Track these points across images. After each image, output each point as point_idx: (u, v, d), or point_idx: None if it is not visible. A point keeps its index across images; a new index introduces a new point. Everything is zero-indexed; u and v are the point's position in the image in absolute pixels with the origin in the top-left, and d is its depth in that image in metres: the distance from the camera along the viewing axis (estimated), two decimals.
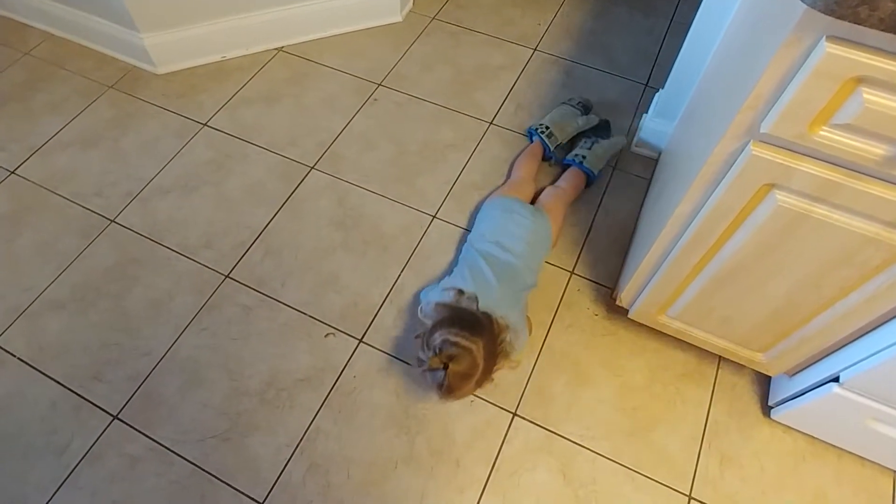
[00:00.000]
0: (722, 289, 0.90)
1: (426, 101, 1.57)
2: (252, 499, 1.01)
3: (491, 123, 1.52)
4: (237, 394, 1.12)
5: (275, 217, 1.35)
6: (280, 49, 1.69)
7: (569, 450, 1.07)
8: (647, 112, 1.45)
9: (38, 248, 1.31)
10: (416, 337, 1.08)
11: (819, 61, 0.54)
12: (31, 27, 1.74)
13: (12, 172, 1.43)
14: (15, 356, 1.16)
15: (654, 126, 1.41)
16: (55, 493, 1.02)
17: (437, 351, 0.97)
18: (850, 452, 1.05)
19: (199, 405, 1.11)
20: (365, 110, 1.55)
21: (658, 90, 1.42)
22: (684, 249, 0.86)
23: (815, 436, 1.06)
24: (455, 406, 1.11)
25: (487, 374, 1.01)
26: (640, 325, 1.15)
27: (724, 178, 0.72)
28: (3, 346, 1.17)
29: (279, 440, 1.07)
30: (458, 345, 0.96)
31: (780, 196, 0.69)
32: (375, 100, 1.57)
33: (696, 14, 1.14)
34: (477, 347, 0.97)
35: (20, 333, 1.19)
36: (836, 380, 0.89)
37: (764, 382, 1.13)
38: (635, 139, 1.46)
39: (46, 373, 1.14)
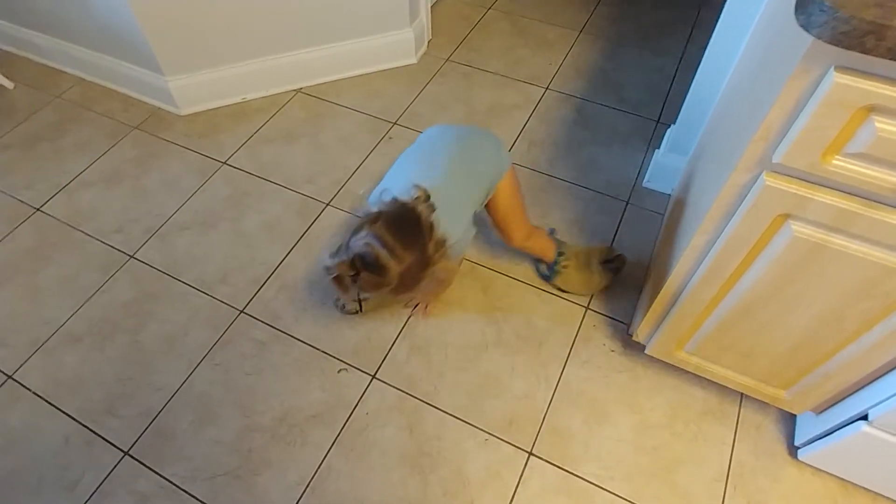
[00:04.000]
0: (740, 323, 0.88)
1: None
2: None
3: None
4: (249, 430, 1.11)
5: (290, 253, 1.37)
6: (298, 90, 1.75)
7: (587, 491, 1.03)
8: (658, 148, 1.46)
9: (60, 282, 1.33)
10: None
11: (828, 91, 0.54)
12: (64, 72, 1.82)
13: (38, 209, 1.47)
14: (30, 390, 1.17)
15: (666, 161, 1.42)
16: None
17: (351, 258, 0.86)
18: (885, 497, 1.00)
19: (210, 441, 1.09)
20: (380, 148, 1.59)
21: (670, 126, 1.43)
22: (700, 283, 0.84)
23: (845, 478, 1.01)
24: (469, 444, 1.08)
25: (407, 288, 0.91)
26: (658, 361, 1.12)
27: (738, 209, 0.71)
28: (20, 380, 1.18)
29: (290, 478, 1.05)
30: (378, 261, 0.85)
31: (795, 226, 0.68)
32: (390, 138, 1.61)
33: (705, 52, 1.17)
34: (400, 264, 0.86)
35: (37, 367, 1.20)
36: (865, 417, 0.86)
37: (789, 421, 1.09)
38: (648, 174, 1.47)
39: (61, 407, 1.14)
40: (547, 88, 1.72)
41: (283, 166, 1.55)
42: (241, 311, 1.27)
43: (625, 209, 1.43)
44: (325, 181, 1.51)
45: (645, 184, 1.48)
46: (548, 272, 1.27)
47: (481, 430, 1.10)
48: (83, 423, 1.12)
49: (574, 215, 1.42)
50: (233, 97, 1.71)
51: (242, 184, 1.52)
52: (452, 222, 0.95)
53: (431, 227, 0.89)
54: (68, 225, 1.44)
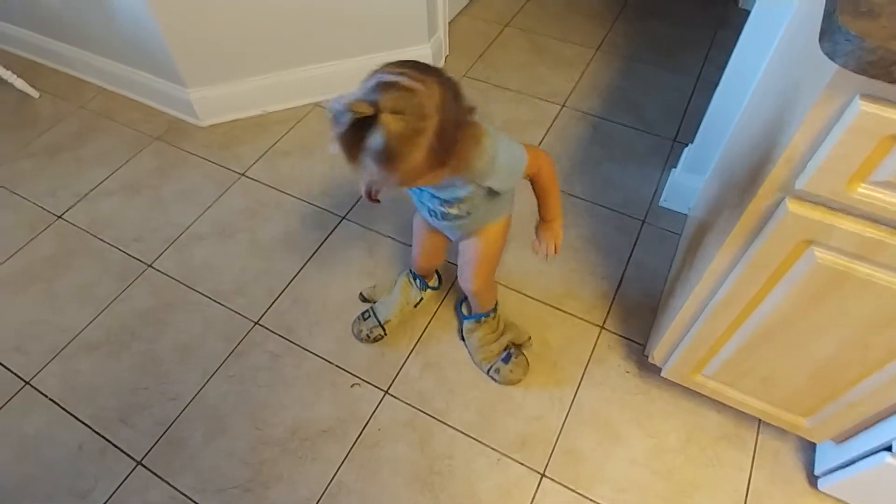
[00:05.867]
0: (760, 348, 0.87)
1: None
2: None
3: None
4: (261, 442, 1.11)
5: (305, 266, 1.38)
6: (317, 104, 1.76)
7: None
8: (675, 167, 1.45)
9: (78, 290, 1.35)
10: None
11: (854, 119, 0.54)
12: (87, 82, 1.86)
13: (59, 217, 1.50)
14: (46, 397, 1.18)
15: (683, 181, 1.41)
16: None
17: (364, 89, 0.66)
18: None
19: (222, 453, 1.10)
20: None
21: (687, 145, 1.43)
22: (719, 306, 0.83)
23: None
24: (480, 464, 1.07)
25: (449, 145, 0.69)
26: (674, 383, 1.11)
27: (759, 233, 0.71)
28: (36, 387, 1.19)
29: (300, 493, 1.05)
30: (398, 84, 0.65)
31: (818, 253, 0.67)
32: None
33: (724, 72, 1.16)
34: (428, 89, 0.66)
35: (54, 374, 1.21)
36: (889, 449, 0.84)
37: (809, 449, 1.07)
38: (664, 194, 1.46)
39: (76, 415, 1.15)
40: (563, 106, 1.73)
41: (299, 179, 1.57)
42: (256, 323, 1.28)
43: (641, 228, 1.42)
44: (342, 194, 1.52)
45: (661, 203, 1.47)
46: (468, 315, 1.21)
47: (493, 449, 1.09)
48: (97, 431, 1.13)
49: (590, 233, 1.41)
50: (252, 109, 1.73)
51: (260, 195, 1.53)
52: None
53: (457, 82, 0.72)
54: (88, 233, 1.46)
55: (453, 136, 0.69)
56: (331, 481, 1.06)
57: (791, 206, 0.65)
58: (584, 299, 1.29)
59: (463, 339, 1.24)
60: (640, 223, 1.43)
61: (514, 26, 2.01)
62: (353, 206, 1.49)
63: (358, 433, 1.11)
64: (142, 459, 1.09)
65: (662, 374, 1.07)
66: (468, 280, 1.08)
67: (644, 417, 1.12)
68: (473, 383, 1.18)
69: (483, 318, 1.19)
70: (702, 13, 2.03)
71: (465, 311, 1.24)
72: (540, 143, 1.62)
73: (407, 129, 0.64)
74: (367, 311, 1.25)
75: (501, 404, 1.14)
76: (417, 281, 1.25)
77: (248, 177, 1.58)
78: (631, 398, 1.15)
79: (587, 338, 1.23)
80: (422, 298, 1.26)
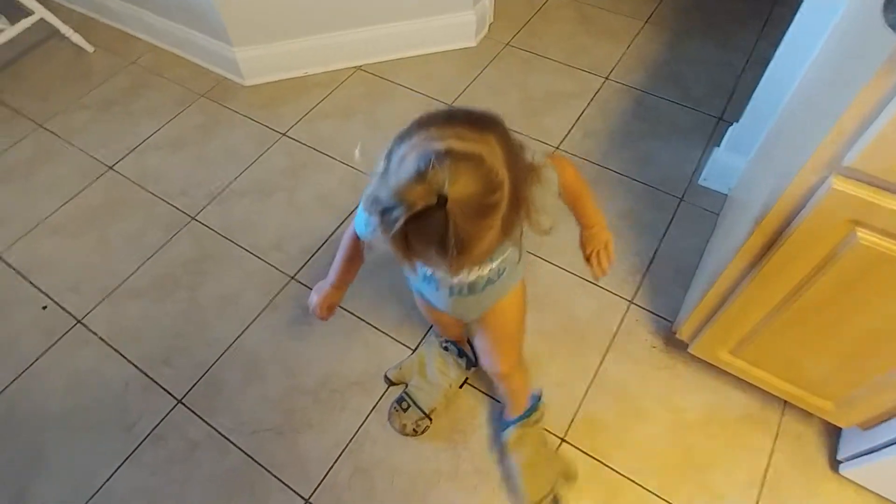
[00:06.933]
0: (792, 328, 0.86)
1: None
2: (299, 495, 1.04)
3: (557, 148, 1.53)
4: (293, 391, 1.16)
5: (341, 225, 1.41)
6: (358, 67, 1.78)
7: (616, 482, 1.04)
8: (718, 145, 1.42)
9: (127, 238, 1.42)
10: None
11: None
12: (139, 39, 1.91)
13: (110, 168, 1.56)
14: (97, 335, 1.26)
15: (725, 160, 1.38)
16: (119, 466, 1.09)
17: (418, 171, 0.50)
18: None
19: (257, 398, 1.16)
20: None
21: (732, 124, 1.39)
22: (753, 284, 0.83)
23: (889, 498, 0.98)
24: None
25: (521, 205, 0.56)
26: (700, 360, 1.11)
27: (801, 210, 0.70)
28: (88, 325, 1.27)
29: (329, 440, 1.10)
30: (458, 154, 0.51)
31: (861, 234, 0.66)
32: None
33: (777, 49, 1.12)
34: (491, 148, 0.53)
35: (104, 315, 1.29)
36: None
37: (833, 434, 1.07)
38: (705, 172, 1.44)
39: (123, 354, 1.23)
40: (607, 78, 1.69)
41: (339, 141, 1.59)
42: (292, 278, 1.32)
43: (678, 206, 1.40)
44: (379, 157, 1.54)
45: (701, 181, 1.45)
46: (509, 420, 1.03)
47: None
48: (142, 369, 1.20)
49: (625, 208, 1.40)
50: (295, 71, 1.76)
51: (300, 155, 1.56)
52: None
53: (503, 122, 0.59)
54: (137, 185, 1.53)
55: (524, 193, 0.57)
56: (357, 430, 1.11)
57: (837, 183, 0.64)
58: (615, 273, 1.29)
59: (502, 451, 1.04)
60: (677, 201, 1.41)
61: None
62: None
63: (386, 387, 1.16)
64: (182, 398, 1.16)
65: (689, 350, 1.07)
66: (496, 364, 0.93)
67: (667, 392, 1.13)
68: None
69: (528, 417, 1.02)
70: None
71: (508, 417, 1.04)
72: (580, 115, 1.61)
73: (480, 209, 0.51)
74: (403, 399, 1.10)
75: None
76: (453, 352, 1.11)
77: (289, 137, 1.61)
78: (656, 373, 1.16)
79: (615, 311, 1.24)
80: (466, 379, 1.14)
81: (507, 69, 1.74)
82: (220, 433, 1.12)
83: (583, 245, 0.90)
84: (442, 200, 0.49)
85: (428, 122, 0.55)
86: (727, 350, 1.01)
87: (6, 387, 1.19)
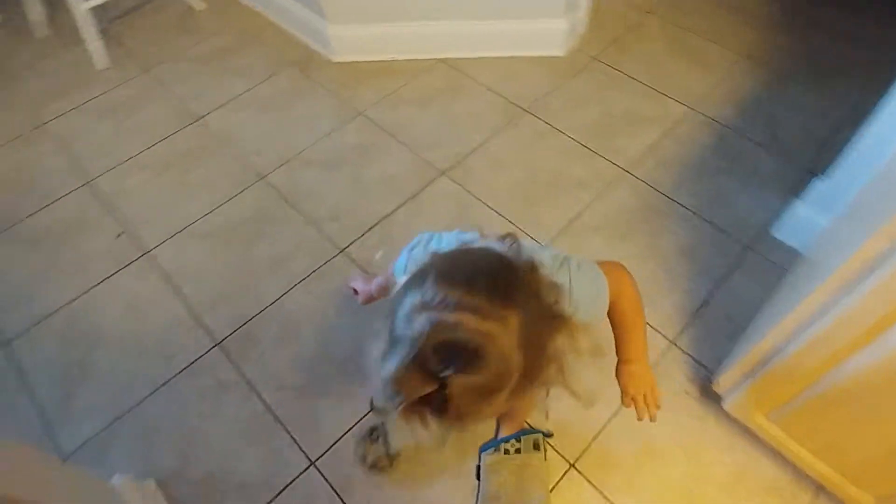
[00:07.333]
0: (839, 406, 0.80)
1: (566, 134, 1.58)
2: (307, 456, 1.08)
3: (626, 171, 1.49)
4: (322, 358, 1.20)
5: (397, 210, 1.44)
6: (443, 60, 1.80)
7: None
8: (800, 198, 1.34)
9: (201, 185, 1.51)
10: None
11: None
12: (243, 3, 2.01)
13: (200, 118, 1.67)
14: (160, 268, 1.35)
15: (804, 214, 1.30)
16: (154, 391, 1.17)
17: (417, 359, 0.48)
18: None
19: (287, 356, 1.20)
20: (505, 131, 1.60)
21: (818, 177, 1.31)
22: (803, 349, 0.78)
23: None
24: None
25: (539, 369, 0.54)
26: (734, 420, 1.05)
27: (869, 277, 0.65)
28: (153, 259, 1.37)
29: (345, 412, 1.13)
30: (461, 339, 0.48)
31: None
32: (517, 125, 1.62)
33: (882, 104, 1.04)
34: (506, 328, 0.49)
35: (169, 252, 1.38)
36: None
37: None
38: (780, 224, 1.36)
39: (178, 291, 1.31)
40: (691, 108, 1.63)
41: (411, 128, 1.62)
42: (342, 251, 1.36)
43: (743, 253, 1.34)
44: (446, 151, 1.56)
45: (774, 233, 1.37)
46: (486, 445, 1.02)
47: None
48: (191, 309, 1.28)
49: (686, 244, 1.35)
50: (382, 54, 1.80)
51: (372, 135, 1.61)
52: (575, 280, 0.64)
53: (532, 265, 0.56)
54: (218, 138, 1.62)
55: (543, 361, 0.54)
56: (371, 410, 1.13)
57: None
58: (662, 308, 1.25)
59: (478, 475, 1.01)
60: (744, 248, 1.35)
61: (660, 16, 1.91)
62: (455, 164, 1.53)
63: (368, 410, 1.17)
64: (220, 342, 1.23)
65: (723, 406, 1.02)
66: (510, 428, 0.97)
67: (692, 443, 1.08)
68: None
69: (504, 442, 0.98)
70: (879, 32, 1.80)
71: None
72: (656, 141, 1.56)
73: (484, 394, 0.49)
74: (376, 428, 1.05)
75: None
76: None
77: (365, 116, 1.66)
78: (685, 420, 1.11)
79: (653, 347, 1.20)
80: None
81: (590, 83, 1.71)
82: (247, 381, 1.17)
83: (623, 382, 0.81)
84: (443, 385, 0.47)
85: (447, 278, 0.51)
86: (764, 413, 0.96)
87: (71, 301, 1.30)
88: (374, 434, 1.05)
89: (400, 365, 0.48)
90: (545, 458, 1.04)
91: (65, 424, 1.13)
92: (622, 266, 0.73)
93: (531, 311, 0.52)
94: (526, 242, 0.62)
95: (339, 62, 1.81)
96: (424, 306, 0.50)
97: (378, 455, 1.04)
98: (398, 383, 0.48)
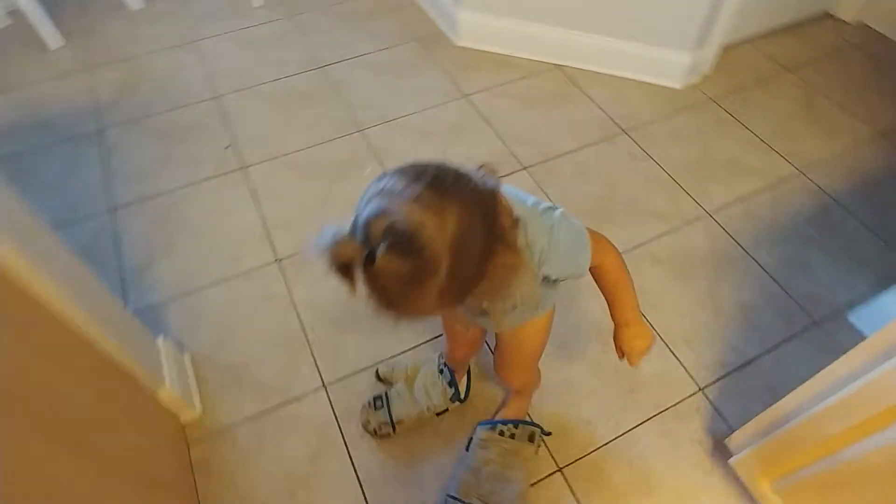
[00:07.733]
0: (851, 485, 0.76)
1: (659, 164, 1.56)
2: (321, 376, 1.17)
3: (709, 214, 1.45)
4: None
5: None
6: (559, 66, 1.83)
7: None
8: (890, 291, 1.23)
9: (306, 123, 1.65)
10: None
11: None
12: None
13: (320, 67, 1.82)
14: (254, 182, 1.50)
15: (891, 307, 1.20)
16: (216, 282, 1.31)
17: (353, 230, 0.54)
18: None
19: (332, 289, 1.30)
20: (599, 146, 1.61)
21: None
22: (819, 415, 0.75)
23: None
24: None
25: (468, 284, 0.57)
26: (738, 481, 1.01)
27: None
28: (250, 173, 1.52)
29: (368, 350, 1.20)
30: (398, 222, 0.52)
31: None
32: (613, 143, 1.62)
33: None
34: (441, 221, 0.52)
35: (262, 172, 1.53)
36: None
37: None
38: (860, 310, 1.26)
39: (258, 206, 1.45)
40: (801, 171, 1.55)
41: (508, 121, 1.67)
42: None
43: (809, 328, 1.26)
44: (534, 150, 1.59)
45: (850, 317, 1.27)
46: (485, 422, 1.06)
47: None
48: (266, 225, 1.41)
49: (749, 301, 1.29)
50: (502, 48, 1.86)
51: (468, 118, 1.67)
52: (533, 224, 0.65)
53: (493, 191, 0.60)
54: (334, 87, 1.76)
55: (476, 272, 0.56)
56: (394, 357, 1.19)
57: None
58: (701, 355, 1.21)
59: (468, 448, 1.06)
60: (811, 322, 1.26)
61: (797, 75, 1.82)
62: (538, 163, 1.56)
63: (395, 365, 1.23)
64: (280, 259, 1.35)
65: (729, 462, 0.98)
66: (503, 377, 1.02)
67: (690, 490, 1.05)
68: (551, 367, 1.20)
69: (502, 426, 1.04)
70: None
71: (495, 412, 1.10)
72: (751, 194, 1.49)
73: (408, 276, 0.52)
74: (380, 397, 1.10)
75: (563, 388, 1.16)
76: (445, 378, 1.10)
77: (469, 99, 1.73)
78: (689, 468, 1.07)
79: (679, 387, 1.17)
80: (447, 409, 1.10)
81: (698, 121, 1.67)
82: (292, 300, 1.28)
83: (616, 343, 0.81)
84: (370, 260, 0.51)
85: (401, 171, 0.57)
86: (769, 480, 0.91)
87: (174, 190, 1.48)
88: (378, 402, 1.10)
89: (340, 234, 0.53)
90: (536, 453, 1.06)
91: (136, 288, 1.30)
92: (606, 238, 0.76)
93: (475, 220, 0.55)
94: (509, 185, 0.66)
95: (460, 46, 1.90)
96: (376, 192, 0.55)
97: (381, 422, 1.08)
98: (340, 247, 0.52)
